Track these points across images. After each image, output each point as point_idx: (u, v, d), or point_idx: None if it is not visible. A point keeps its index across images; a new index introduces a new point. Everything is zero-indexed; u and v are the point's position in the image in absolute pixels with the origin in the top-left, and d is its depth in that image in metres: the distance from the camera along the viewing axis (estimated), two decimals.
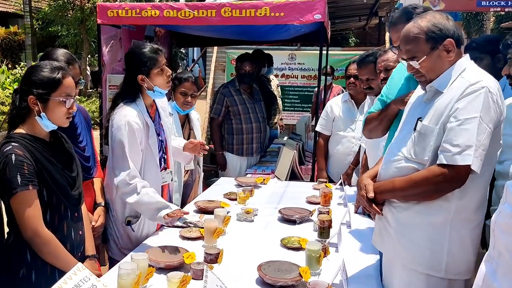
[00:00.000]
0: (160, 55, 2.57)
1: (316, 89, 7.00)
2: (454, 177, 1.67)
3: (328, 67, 6.63)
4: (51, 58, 2.35)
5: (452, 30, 1.79)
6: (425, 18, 1.81)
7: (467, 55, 1.86)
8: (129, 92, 2.57)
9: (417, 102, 1.93)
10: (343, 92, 6.24)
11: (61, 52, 2.49)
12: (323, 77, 6.38)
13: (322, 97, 6.15)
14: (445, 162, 1.68)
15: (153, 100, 2.70)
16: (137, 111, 2.52)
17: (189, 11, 3.92)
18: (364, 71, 3.43)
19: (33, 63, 2.06)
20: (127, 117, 2.46)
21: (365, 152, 3.26)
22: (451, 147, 1.67)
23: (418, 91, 1.97)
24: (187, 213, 2.56)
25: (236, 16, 3.87)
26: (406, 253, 1.83)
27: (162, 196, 2.68)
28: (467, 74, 1.76)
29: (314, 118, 5.05)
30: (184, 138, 3.34)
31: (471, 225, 1.77)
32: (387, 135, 2.53)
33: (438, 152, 1.72)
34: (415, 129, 1.81)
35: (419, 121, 1.80)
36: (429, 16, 1.82)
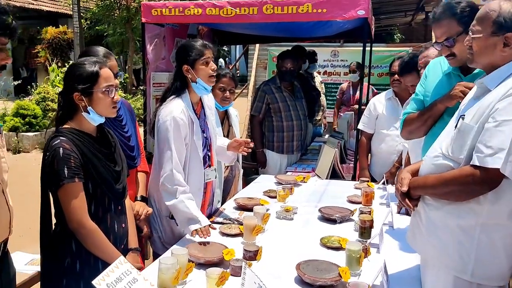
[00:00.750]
0: (207, 49, 2.63)
1: (342, 85, 6.96)
2: (484, 179, 1.58)
3: (353, 63, 6.47)
4: (90, 54, 2.43)
5: None
6: (510, 1, 1.70)
7: None
8: (177, 85, 2.64)
9: (469, 100, 1.85)
10: (373, 91, 6.11)
11: (97, 48, 2.59)
12: (354, 74, 6.31)
13: (358, 94, 6.03)
14: (477, 163, 1.60)
15: (200, 98, 2.74)
16: (182, 106, 2.57)
17: (231, 9, 3.93)
18: (407, 78, 3.31)
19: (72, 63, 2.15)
20: (172, 112, 2.52)
21: (407, 153, 3.17)
22: (484, 148, 1.58)
23: (473, 89, 1.88)
24: (214, 229, 2.54)
25: (278, 13, 3.85)
26: (434, 252, 1.78)
27: (205, 192, 2.73)
28: None
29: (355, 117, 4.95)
30: (223, 135, 3.37)
31: (505, 231, 1.65)
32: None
33: (473, 152, 1.63)
34: (456, 126, 1.74)
35: (460, 119, 1.73)
36: None
